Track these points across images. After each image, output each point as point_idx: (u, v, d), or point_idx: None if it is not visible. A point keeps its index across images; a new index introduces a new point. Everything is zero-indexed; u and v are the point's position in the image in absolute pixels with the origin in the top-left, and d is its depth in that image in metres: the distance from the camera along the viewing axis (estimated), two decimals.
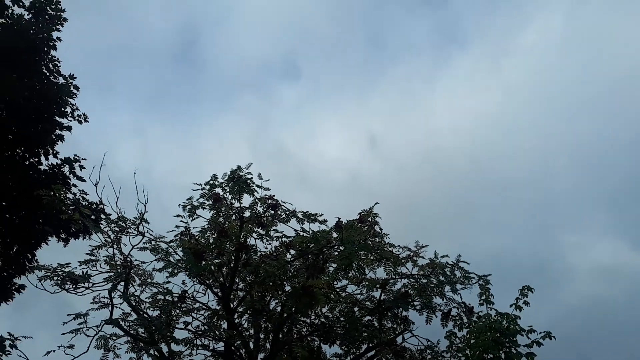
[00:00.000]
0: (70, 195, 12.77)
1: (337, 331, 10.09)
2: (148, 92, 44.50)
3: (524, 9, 40.16)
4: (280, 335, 10.19)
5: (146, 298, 9.47)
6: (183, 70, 47.40)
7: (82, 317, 8.27)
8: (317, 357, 10.21)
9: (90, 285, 8.92)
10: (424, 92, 41.71)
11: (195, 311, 10.10)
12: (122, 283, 9.04)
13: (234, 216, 10.51)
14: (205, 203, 10.39)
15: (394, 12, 44.50)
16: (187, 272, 9.63)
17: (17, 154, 13.92)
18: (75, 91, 14.80)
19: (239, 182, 10.15)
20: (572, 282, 26.10)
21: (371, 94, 43.14)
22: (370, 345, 9.94)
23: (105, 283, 8.96)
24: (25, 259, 13.37)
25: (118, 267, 9.19)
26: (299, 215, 10.36)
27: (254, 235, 10.32)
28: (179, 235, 10.37)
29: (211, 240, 10.30)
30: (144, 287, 9.65)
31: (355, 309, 10.53)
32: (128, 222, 9.67)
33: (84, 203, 12.85)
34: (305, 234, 10.05)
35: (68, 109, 14.75)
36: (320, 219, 10.26)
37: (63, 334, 8.01)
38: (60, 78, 14.64)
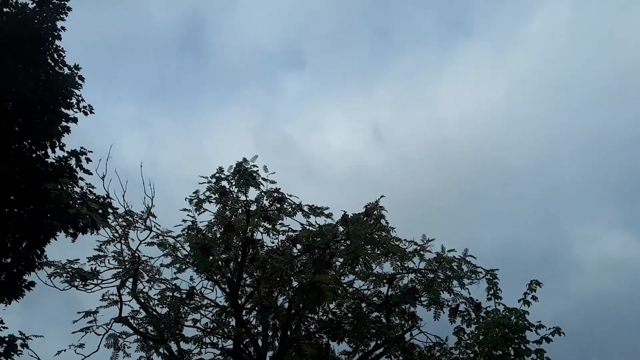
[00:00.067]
0: (77, 189, 12.75)
1: (345, 328, 10.13)
2: (152, 83, 44.27)
3: None
4: (289, 333, 10.23)
5: (155, 295, 9.54)
6: (187, 61, 46.94)
7: (91, 314, 8.33)
8: (325, 355, 10.27)
9: (99, 281, 8.98)
10: (429, 83, 41.14)
11: (204, 308, 10.16)
12: (131, 279, 9.09)
13: (240, 210, 10.49)
14: (212, 196, 10.36)
15: (398, 2, 43.67)
16: (195, 268, 9.66)
17: (24, 147, 13.87)
18: (80, 82, 14.62)
19: (244, 174, 10.09)
20: (579, 275, 26.00)
21: (376, 84, 42.63)
22: (379, 342, 9.97)
23: (114, 279, 9.01)
24: (35, 255, 13.42)
25: (126, 263, 9.23)
26: (305, 208, 10.31)
27: (261, 229, 10.32)
28: (186, 230, 10.38)
29: (218, 235, 10.30)
30: (152, 283, 9.70)
31: (363, 304, 10.55)
32: (135, 216, 9.67)
33: (91, 197, 12.82)
34: (311, 228, 10.03)
35: (73, 100, 14.60)
36: (326, 212, 10.21)
37: (73, 332, 8.09)
38: (65, 68, 14.46)
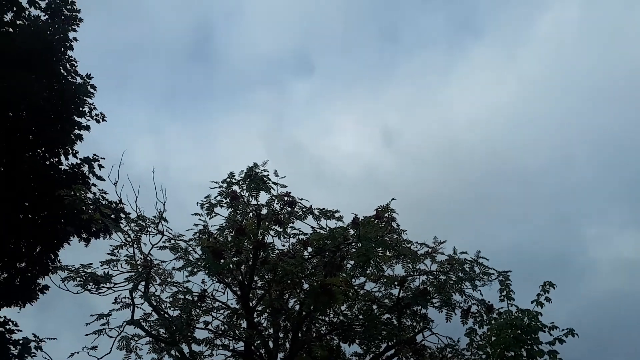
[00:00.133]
0: (90, 195, 12.96)
1: (356, 330, 10.10)
2: (163, 90, 44.84)
3: None
4: (300, 335, 10.24)
5: (166, 297, 9.61)
6: (197, 67, 47.57)
7: (104, 317, 8.41)
8: (336, 357, 10.24)
9: (112, 285, 9.06)
10: (439, 85, 41.14)
11: (215, 310, 10.21)
12: (143, 283, 9.16)
13: (251, 214, 10.55)
14: (223, 201, 10.43)
15: (406, 5, 43.86)
16: (207, 271, 9.71)
17: (38, 154, 14.16)
18: (92, 90, 14.95)
19: (255, 179, 10.15)
20: (593, 275, 25.65)
21: (385, 87, 42.74)
22: (390, 343, 9.92)
23: (127, 283, 9.09)
24: (49, 260, 13.65)
25: (138, 267, 9.31)
26: (316, 212, 10.34)
27: (272, 232, 10.35)
28: (197, 234, 10.45)
29: (229, 239, 10.36)
30: (164, 286, 9.77)
31: (374, 306, 10.51)
32: (147, 221, 9.77)
33: (103, 202, 13.02)
34: (322, 231, 10.04)
35: (86, 109, 14.92)
36: (336, 215, 10.24)
37: (86, 334, 8.17)
38: (78, 78, 14.78)
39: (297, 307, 10.43)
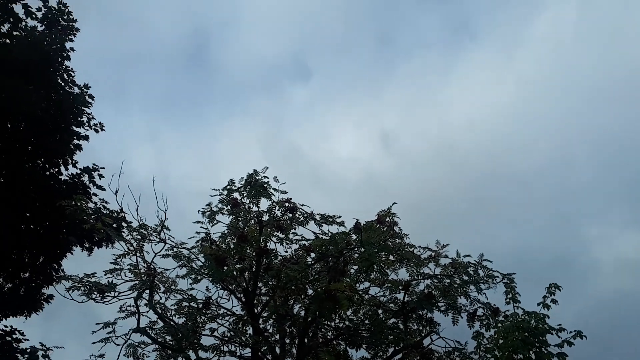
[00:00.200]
0: (91, 205, 12.92)
1: (363, 334, 10.07)
2: (160, 98, 44.86)
3: None
4: (306, 340, 10.20)
5: (171, 305, 9.59)
6: (194, 74, 47.79)
7: (110, 326, 8.38)
8: None
9: (116, 294, 9.03)
10: (436, 87, 41.38)
11: (221, 317, 10.18)
12: (147, 291, 9.13)
13: (252, 220, 10.54)
14: (224, 208, 10.42)
15: (402, 8, 44.21)
16: (210, 278, 9.69)
17: (38, 165, 14.10)
18: (90, 100, 14.91)
19: (255, 186, 10.15)
20: (597, 276, 25.66)
21: (383, 91, 42.93)
22: (397, 348, 9.89)
23: (131, 291, 9.08)
24: (52, 269, 13.61)
25: (142, 275, 9.28)
26: (317, 217, 10.33)
27: (274, 239, 10.36)
28: (200, 242, 10.43)
29: (232, 246, 10.34)
30: (168, 294, 9.74)
31: (380, 311, 10.49)
32: (149, 229, 9.76)
33: (105, 212, 12.98)
34: (324, 237, 10.04)
35: (84, 119, 14.88)
36: (338, 220, 10.23)
37: (93, 343, 8.15)
38: (75, 88, 14.75)
39: (302, 312, 10.40)
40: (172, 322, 9.31)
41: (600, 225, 30.30)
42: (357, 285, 10.15)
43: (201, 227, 10.29)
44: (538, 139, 35.96)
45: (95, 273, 9.07)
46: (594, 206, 31.68)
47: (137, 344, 8.48)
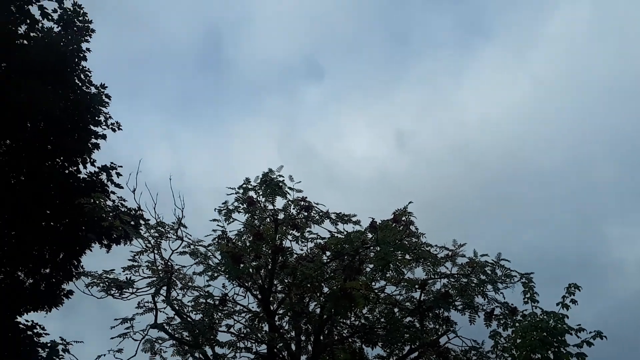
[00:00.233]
0: (109, 203, 13.12)
1: (378, 332, 10.05)
2: (175, 97, 45.29)
3: None
4: (322, 338, 10.21)
5: (188, 302, 9.68)
6: (208, 73, 48.15)
7: (128, 321, 8.50)
8: (359, 359, 10.18)
9: (134, 290, 9.15)
10: (450, 87, 41.10)
11: (237, 314, 10.25)
12: (165, 287, 9.23)
13: (268, 219, 10.59)
14: (240, 207, 10.50)
15: (415, 7, 44.01)
16: (227, 275, 9.77)
17: (57, 164, 14.36)
18: (107, 100, 15.09)
19: (271, 184, 10.21)
20: (619, 276, 25.16)
21: (397, 90, 42.78)
22: (413, 346, 9.85)
23: (149, 288, 9.19)
24: (72, 266, 13.89)
25: (160, 272, 9.39)
26: (332, 216, 10.35)
27: (289, 237, 10.41)
28: (216, 239, 10.52)
29: (248, 244, 10.41)
30: (185, 290, 9.83)
31: (396, 309, 10.46)
32: (166, 227, 9.86)
33: (123, 209, 13.18)
34: (339, 235, 10.05)
35: (102, 118, 15.09)
36: (353, 219, 10.24)
37: (112, 338, 8.29)
38: (92, 88, 14.95)
39: (318, 310, 10.41)
40: (189, 319, 9.41)
41: (622, 225, 29.76)
42: (373, 283, 10.13)
43: (218, 225, 10.40)
44: (553, 138, 35.56)
45: (114, 269, 9.24)
46: (614, 205, 31.15)
47: (154, 339, 8.60)
